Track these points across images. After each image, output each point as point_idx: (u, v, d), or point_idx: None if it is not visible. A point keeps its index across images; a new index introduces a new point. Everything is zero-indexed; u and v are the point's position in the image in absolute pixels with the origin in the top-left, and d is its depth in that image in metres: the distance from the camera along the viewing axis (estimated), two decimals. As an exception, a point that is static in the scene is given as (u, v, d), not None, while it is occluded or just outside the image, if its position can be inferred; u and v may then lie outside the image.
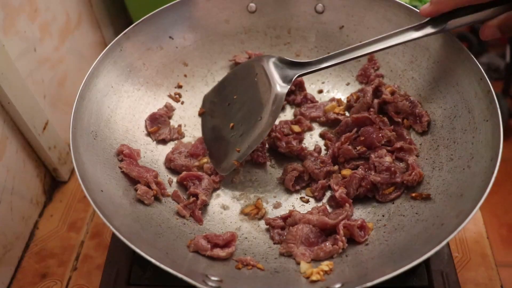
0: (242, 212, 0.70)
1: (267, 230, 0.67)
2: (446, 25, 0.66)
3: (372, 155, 0.70)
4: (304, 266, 0.59)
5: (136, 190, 0.65)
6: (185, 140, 0.78)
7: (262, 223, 0.68)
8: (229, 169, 0.71)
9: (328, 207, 0.68)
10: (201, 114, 0.82)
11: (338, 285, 0.53)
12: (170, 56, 0.82)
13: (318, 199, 0.71)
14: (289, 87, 0.70)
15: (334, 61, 0.70)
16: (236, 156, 0.70)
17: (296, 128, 0.77)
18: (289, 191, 0.72)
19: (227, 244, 0.62)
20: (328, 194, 0.71)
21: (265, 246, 0.65)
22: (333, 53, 0.71)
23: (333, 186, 0.68)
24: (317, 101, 0.83)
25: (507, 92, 1.90)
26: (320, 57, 0.71)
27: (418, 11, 0.73)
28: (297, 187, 0.72)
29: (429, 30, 0.67)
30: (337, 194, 0.67)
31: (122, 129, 0.73)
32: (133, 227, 0.59)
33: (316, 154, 0.74)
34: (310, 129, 0.79)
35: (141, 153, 0.72)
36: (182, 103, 0.82)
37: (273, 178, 0.74)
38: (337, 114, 0.79)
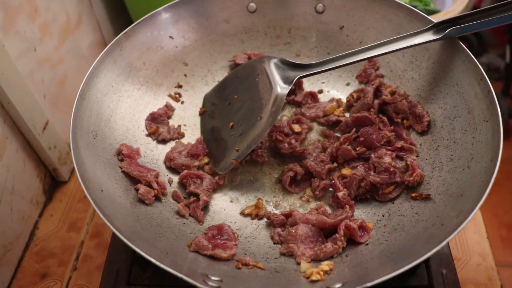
0: (242, 212, 0.70)
1: (268, 230, 0.67)
2: (447, 33, 0.66)
3: (372, 155, 0.70)
4: (304, 266, 0.59)
5: (137, 190, 0.65)
6: (185, 140, 0.78)
7: (262, 223, 0.68)
8: (228, 168, 0.71)
9: (328, 208, 0.69)
10: (201, 113, 0.82)
11: (338, 285, 0.53)
12: (170, 55, 0.82)
13: (318, 198, 0.71)
14: (289, 88, 0.70)
15: (335, 64, 0.70)
16: (235, 155, 0.70)
17: (296, 128, 0.77)
18: (289, 191, 0.72)
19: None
20: (329, 194, 0.71)
21: (265, 246, 0.65)
22: (335, 56, 0.71)
23: (337, 186, 0.68)
24: (318, 99, 0.83)
25: (507, 92, 1.90)
26: (322, 60, 0.72)
27: (418, 11, 0.74)
28: (296, 189, 0.72)
29: (430, 36, 0.68)
30: (339, 195, 0.67)
31: (122, 129, 0.73)
32: (133, 227, 0.59)
33: (315, 154, 0.74)
34: (310, 128, 0.80)
35: (142, 153, 0.72)
36: (182, 102, 0.82)
37: (273, 178, 0.74)
38: (337, 116, 0.79)
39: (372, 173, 0.68)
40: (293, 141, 0.75)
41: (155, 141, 0.76)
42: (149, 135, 0.76)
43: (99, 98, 0.70)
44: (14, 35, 0.75)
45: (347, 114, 0.80)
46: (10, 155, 0.74)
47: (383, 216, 0.66)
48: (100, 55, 0.71)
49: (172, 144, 0.77)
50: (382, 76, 0.80)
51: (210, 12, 0.83)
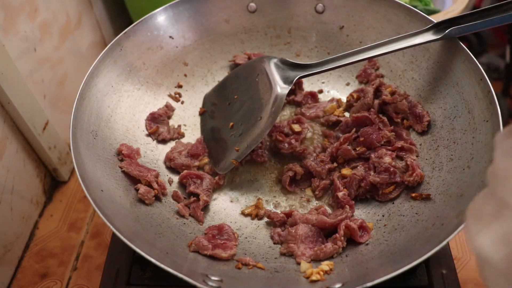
0: (243, 212, 0.70)
1: (268, 230, 0.67)
2: (447, 33, 0.66)
3: (372, 155, 0.70)
4: (304, 266, 0.59)
5: (137, 190, 0.65)
6: (185, 140, 0.78)
7: (262, 223, 0.68)
8: (228, 168, 0.71)
9: (327, 208, 0.69)
10: (201, 113, 0.82)
11: (338, 285, 0.53)
12: (170, 55, 0.82)
13: (318, 198, 0.71)
14: (289, 88, 0.70)
15: (335, 64, 0.71)
16: (235, 155, 0.70)
17: (297, 128, 0.77)
18: (289, 191, 0.72)
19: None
20: (328, 194, 0.71)
21: (265, 246, 0.65)
22: (334, 56, 0.71)
23: (337, 186, 0.68)
24: (318, 99, 0.83)
25: (507, 92, 1.90)
26: (322, 60, 0.72)
27: (418, 11, 0.74)
28: (296, 189, 0.72)
29: (430, 36, 0.68)
30: (339, 195, 0.67)
31: (122, 129, 0.73)
32: (133, 227, 0.59)
33: (315, 154, 0.74)
34: (310, 128, 0.79)
35: (142, 153, 0.72)
36: (182, 102, 0.82)
37: (273, 178, 0.74)
38: (337, 116, 0.79)
39: (372, 173, 0.68)
40: (293, 141, 0.75)
41: (155, 141, 0.76)
42: (149, 135, 0.76)
43: (99, 98, 0.70)
44: (14, 35, 0.75)
45: (347, 114, 0.81)
46: (10, 155, 0.74)
47: (383, 216, 0.66)
48: (100, 55, 0.71)
49: (172, 144, 0.77)
50: (382, 76, 0.80)
51: (210, 12, 0.83)
